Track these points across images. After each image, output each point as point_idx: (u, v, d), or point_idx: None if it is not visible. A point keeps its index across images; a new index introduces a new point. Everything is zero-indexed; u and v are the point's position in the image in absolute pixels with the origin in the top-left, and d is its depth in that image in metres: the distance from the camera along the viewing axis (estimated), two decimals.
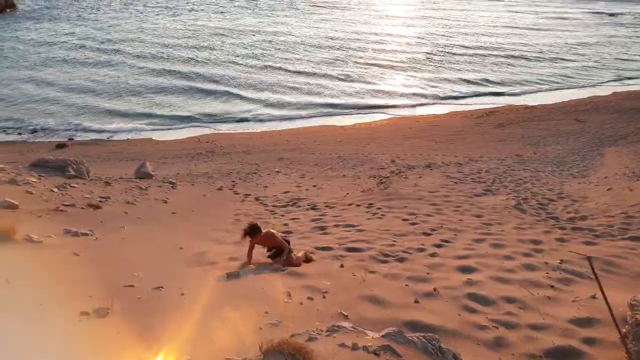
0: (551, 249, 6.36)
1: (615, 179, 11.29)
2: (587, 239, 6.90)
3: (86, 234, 6.54)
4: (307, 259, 5.84)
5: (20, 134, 23.42)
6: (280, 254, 5.70)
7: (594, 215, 8.24)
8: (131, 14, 55.44)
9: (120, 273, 4.94)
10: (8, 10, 58.81)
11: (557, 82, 29.49)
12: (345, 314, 4.14)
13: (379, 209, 8.97)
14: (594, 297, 4.61)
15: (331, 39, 39.81)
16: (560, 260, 5.74)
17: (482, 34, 40.62)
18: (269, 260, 5.76)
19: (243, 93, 26.92)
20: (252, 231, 5.78)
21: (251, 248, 5.74)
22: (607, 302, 3.34)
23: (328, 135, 22.42)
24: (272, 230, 5.93)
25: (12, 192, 8.37)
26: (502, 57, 34.18)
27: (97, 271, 5.04)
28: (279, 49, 36.32)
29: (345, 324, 3.67)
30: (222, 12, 53.89)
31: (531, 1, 57.70)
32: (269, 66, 31.75)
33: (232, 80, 28.80)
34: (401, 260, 5.90)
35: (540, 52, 35.15)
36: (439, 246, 6.49)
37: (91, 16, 55.12)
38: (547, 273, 5.36)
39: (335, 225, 7.85)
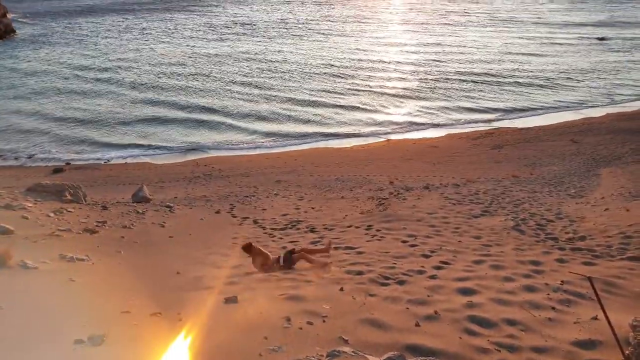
0: (551, 269, 6.32)
1: (612, 199, 11.31)
2: (587, 260, 6.87)
3: (82, 259, 6.48)
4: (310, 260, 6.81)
5: (17, 159, 23.42)
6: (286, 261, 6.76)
7: (592, 236, 8.23)
8: (129, 40, 56.14)
9: (117, 299, 4.88)
10: (7, 36, 59.59)
11: (550, 105, 29.77)
12: (346, 338, 4.07)
13: (378, 230, 8.93)
14: (595, 318, 4.57)
15: (327, 65, 40.18)
16: (561, 281, 5.70)
17: (475, 59, 41.08)
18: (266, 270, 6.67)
19: (239, 123, 26.73)
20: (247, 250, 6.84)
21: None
22: (609, 324, 3.30)
23: (326, 157, 22.49)
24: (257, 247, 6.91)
25: (7, 217, 8.33)
26: (495, 81, 34.50)
27: (92, 297, 4.98)
28: (275, 76, 36.46)
29: (346, 348, 3.62)
30: (220, 39, 54.53)
31: (520, 26, 58.67)
32: (266, 94, 31.63)
33: (227, 110, 28.65)
34: (401, 282, 5.84)
35: (533, 76, 35.55)
36: (438, 268, 6.44)
37: (90, 41, 55.80)
38: (548, 294, 5.32)
39: (335, 248, 7.80)
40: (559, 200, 11.82)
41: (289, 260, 6.76)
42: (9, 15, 66.33)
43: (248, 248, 6.81)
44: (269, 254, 6.91)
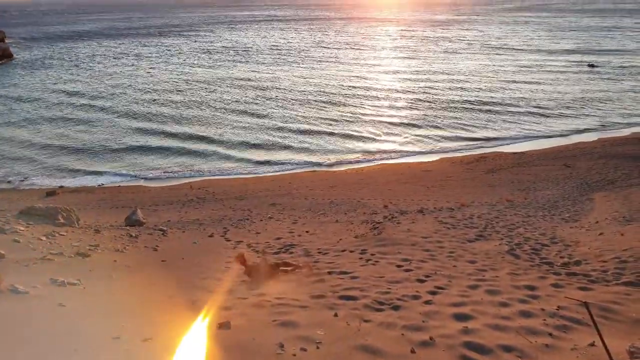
0: (547, 295, 6.29)
1: (606, 223, 11.35)
2: (582, 285, 6.85)
3: (73, 284, 6.38)
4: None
5: (10, 182, 23.32)
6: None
7: (587, 260, 8.22)
8: (124, 65, 56.75)
9: (108, 324, 4.79)
10: (5, 60, 60.07)
11: (542, 131, 30.10)
12: None
13: (372, 255, 8.88)
14: (592, 344, 4.53)
15: (320, 92, 40.53)
16: (557, 307, 5.67)
17: (466, 86, 41.56)
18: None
19: (232, 152, 26.66)
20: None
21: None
22: (607, 350, 3.27)
23: (320, 180, 22.52)
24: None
25: None
26: (487, 108, 34.84)
27: (83, 322, 4.89)
28: (269, 103, 36.58)
29: None
30: (214, 65, 55.11)
31: (511, 53, 59.79)
32: (260, 122, 31.56)
33: (221, 138, 28.53)
34: (396, 308, 5.79)
35: (524, 103, 36.01)
36: (433, 293, 6.40)
37: (86, 66, 56.30)
38: (544, 320, 5.28)
39: (329, 273, 7.74)
40: (553, 225, 11.84)
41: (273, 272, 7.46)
42: (7, 40, 67.06)
43: (242, 259, 7.45)
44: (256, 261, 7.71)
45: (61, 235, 9.56)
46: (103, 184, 22.97)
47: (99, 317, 5.16)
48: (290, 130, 29.88)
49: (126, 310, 5.51)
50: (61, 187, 22.45)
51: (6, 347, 3.90)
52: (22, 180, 23.37)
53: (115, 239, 10.17)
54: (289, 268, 7.73)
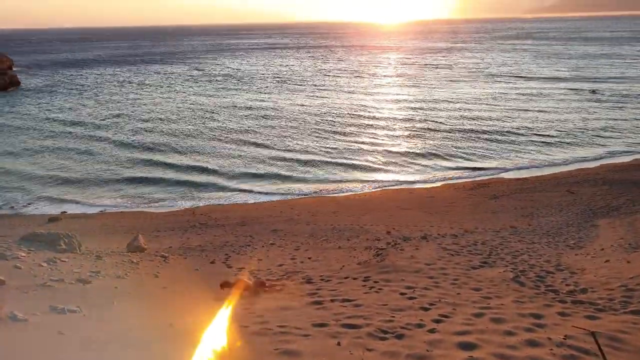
0: (553, 323, 6.19)
1: (612, 250, 11.24)
2: (589, 313, 6.74)
3: (73, 311, 6.32)
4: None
5: (13, 207, 23.37)
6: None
7: (593, 288, 8.11)
8: (128, 92, 57.76)
9: (107, 352, 4.72)
10: (12, 88, 61.05)
11: (544, 158, 30.10)
12: None
13: (375, 282, 8.79)
14: None
15: (322, 120, 40.88)
16: (564, 336, 5.56)
17: (467, 115, 41.78)
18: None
19: (233, 184, 26.26)
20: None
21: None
22: None
23: (322, 206, 22.48)
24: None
25: (0, 267, 8.20)
26: (488, 135, 34.90)
27: (81, 351, 4.82)
28: (270, 131, 36.62)
29: None
30: (217, 94, 55.69)
31: (512, 79, 60.41)
32: (260, 152, 31.37)
33: (222, 169, 28.17)
34: (400, 336, 5.70)
35: (526, 129, 36.15)
36: (438, 321, 6.30)
37: (91, 93, 57.23)
38: (551, 349, 5.18)
39: (332, 300, 7.65)
40: (558, 252, 11.73)
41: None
42: (14, 68, 68.24)
43: (226, 284, 8.37)
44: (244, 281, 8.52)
45: (62, 261, 9.52)
46: (105, 210, 22.98)
47: (99, 345, 5.08)
48: (292, 160, 29.63)
49: (126, 338, 5.44)
50: (64, 212, 22.46)
51: None
52: (25, 206, 23.41)
53: (117, 265, 10.12)
54: (274, 286, 8.81)
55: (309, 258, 12.13)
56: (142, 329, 6.03)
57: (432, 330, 5.91)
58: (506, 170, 28.36)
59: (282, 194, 25.12)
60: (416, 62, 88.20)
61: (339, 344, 5.37)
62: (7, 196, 24.56)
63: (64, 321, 5.83)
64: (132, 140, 34.61)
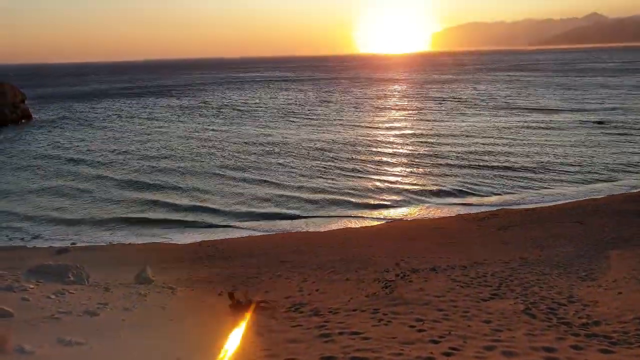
0: (567, 357, 6.07)
1: (625, 282, 11.06)
2: (604, 347, 6.60)
3: (80, 343, 6.29)
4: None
5: (22, 239, 23.50)
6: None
7: (607, 321, 7.96)
8: (136, 124, 58.94)
9: None
10: (23, 121, 62.34)
11: (554, 188, 29.97)
12: None
13: (384, 314, 8.69)
14: None
15: (325, 150, 41.24)
16: None
17: (473, 148, 41.70)
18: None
19: (238, 223, 25.62)
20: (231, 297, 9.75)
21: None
22: None
23: (329, 237, 22.39)
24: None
25: (8, 299, 8.22)
26: (495, 167, 34.79)
27: None
28: (277, 168, 36.56)
29: None
30: (223, 128, 56.08)
31: (517, 113, 60.69)
32: (267, 192, 30.65)
33: (227, 208, 27.57)
34: None
35: (532, 161, 36.05)
36: (448, 354, 6.20)
37: (100, 126, 58.52)
38: None
39: (340, 333, 7.56)
40: (569, 283, 11.56)
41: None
42: (26, 101, 69.78)
43: (231, 296, 9.71)
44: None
45: (71, 293, 9.53)
46: (114, 241, 23.05)
47: None
48: (298, 197, 29.05)
49: None
50: (73, 244, 22.54)
51: None
52: (34, 238, 23.54)
53: (125, 297, 10.09)
54: (266, 305, 9.87)
55: (317, 290, 12.04)
56: None
57: None
58: (515, 202, 28.14)
59: (289, 230, 24.97)
60: (420, 93, 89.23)
61: None
62: (16, 228, 24.74)
63: (72, 354, 5.80)
64: (140, 178, 34.45)
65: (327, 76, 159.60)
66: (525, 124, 51.34)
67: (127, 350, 6.51)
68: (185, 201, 27.59)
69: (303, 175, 32.72)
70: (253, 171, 34.51)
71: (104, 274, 14.48)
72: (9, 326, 6.38)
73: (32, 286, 9.54)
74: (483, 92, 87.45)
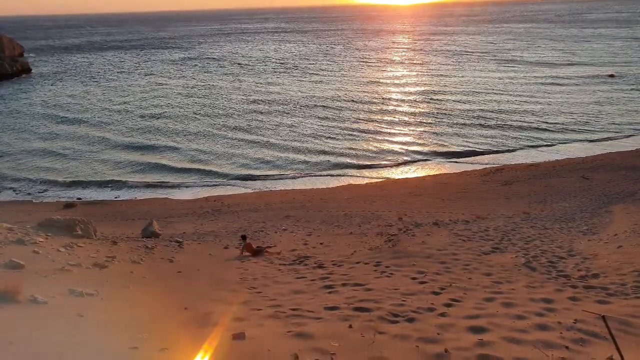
0: (564, 308, 6.20)
1: (626, 236, 11.16)
2: (600, 298, 6.74)
3: (91, 294, 6.48)
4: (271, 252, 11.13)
5: (29, 194, 23.77)
6: (258, 253, 11.02)
7: (605, 274, 8.09)
8: (137, 77, 58.20)
9: (125, 334, 4.85)
10: (23, 75, 61.63)
11: (559, 141, 29.77)
12: None
13: (387, 267, 8.86)
14: (610, 358, 4.45)
15: (325, 100, 40.87)
16: (574, 320, 5.59)
17: (480, 97, 41.37)
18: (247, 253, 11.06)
19: (242, 172, 26.39)
20: (244, 238, 11.61)
21: (243, 249, 11.21)
22: None
23: (334, 193, 22.54)
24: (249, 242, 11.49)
25: (19, 252, 8.40)
26: (504, 119, 34.63)
27: (100, 332, 4.96)
28: (275, 110, 36.77)
29: None
30: (221, 81, 55.51)
31: (524, 65, 59.29)
32: (267, 139, 31.52)
33: (232, 159, 28.26)
34: (411, 320, 5.76)
35: (541, 113, 35.72)
36: (448, 305, 6.35)
37: (101, 78, 57.74)
38: (561, 333, 5.21)
39: (343, 284, 7.74)
40: (570, 237, 11.68)
41: (261, 253, 11.06)
42: (26, 55, 68.76)
43: (244, 238, 11.52)
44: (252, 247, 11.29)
45: (79, 246, 9.72)
46: (119, 197, 23.29)
47: (117, 327, 5.22)
48: (302, 158, 28.90)
49: (143, 321, 5.58)
50: (79, 199, 22.82)
51: (27, 355, 3.98)
52: (41, 193, 23.81)
53: (132, 251, 10.30)
54: (272, 250, 11.35)
55: (321, 243, 12.23)
56: (158, 312, 6.18)
57: (442, 314, 5.96)
58: (521, 148, 28.19)
59: (292, 178, 25.35)
60: (425, 46, 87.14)
61: (350, 326, 5.45)
62: (24, 183, 24.98)
63: (83, 304, 5.98)
64: (142, 129, 34.71)
65: (329, 27, 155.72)
66: (533, 79, 50.30)
67: (137, 301, 6.71)
68: (186, 163, 27.60)
69: (306, 135, 32.55)
70: (256, 131, 34.27)
71: (110, 228, 14.74)
72: (21, 277, 6.55)
73: (41, 239, 9.73)
74: (490, 44, 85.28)
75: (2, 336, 4.30)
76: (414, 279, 7.95)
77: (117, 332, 5.02)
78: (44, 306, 5.60)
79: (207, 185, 24.82)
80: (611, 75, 49.50)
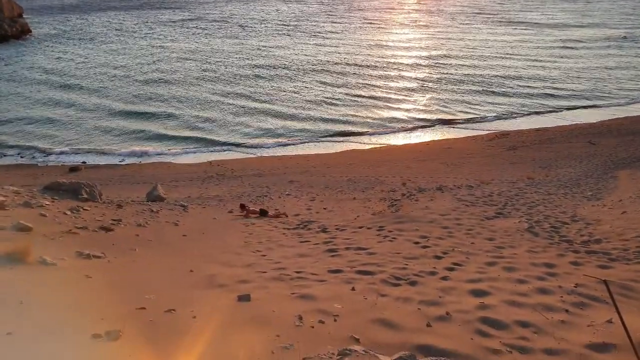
0: (565, 272, 6.27)
1: (630, 202, 11.15)
2: (602, 263, 6.79)
3: (98, 257, 6.58)
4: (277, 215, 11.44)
5: (34, 157, 23.86)
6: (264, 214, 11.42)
7: (608, 239, 8.13)
8: (136, 41, 57.15)
9: (132, 295, 4.96)
10: (23, 36, 60.63)
11: (568, 106, 29.39)
12: (357, 337, 4.09)
13: (390, 231, 8.93)
14: (610, 321, 4.52)
15: (328, 65, 40.28)
16: (575, 284, 5.65)
17: (487, 61, 40.63)
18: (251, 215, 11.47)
19: (245, 139, 26.37)
20: (243, 207, 11.81)
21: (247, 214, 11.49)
22: (625, 327, 3.27)
23: (338, 158, 22.52)
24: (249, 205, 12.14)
25: (26, 214, 8.49)
26: (510, 80, 34.17)
27: (109, 293, 5.07)
28: (277, 75, 36.40)
29: (357, 347, 3.64)
30: (224, 43, 54.79)
31: (533, 27, 57.81)
32: (270, 102, 31.35)
33: (234, 125, 28.14)
34: (413, 283, 5.85)
35: (550, 77, 35.17)
36: (450, 269, 6.43)
37: (101, 40, 56.75)
38: (562, 297, 5.28)
39: (346, 248, 7.82)
40: (574, 203, 11.69)
41: (265, 214, 11.42)
42: (25, 15, 67.48)
43: (243, 207, 11.80)
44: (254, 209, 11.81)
45: (85, 210, 9.81)
46: (124, 160, 23.36)
47: (124, 289, 5.33)
48: (305, 124, 28.60)
49: (149, 282, 5.68)
50: (84, 163, 22.90)
51: (37, 315, 4.08)
52: (46, 156, 23.89)
53: (137, 214, 10.39)
54: (275, 214, 11.53)
55: (324, 208, 12.30)
56: (164, 275, 6.28)
57: (444, 278, 6.04)
58: (527, 114, 27.93)
59: (294, 144, 25.32)
60: (431, 6, 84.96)
61: (353, 289, 5.54)
62: (28, 146, 25.02)
63: (91, 266, 6.09)
64: (143, 95, 34.29)
65: None
66: (542, 42, 49.21)
67: (143, 263, 6.81)
68: (188, 131, 27.38)
69: (309, 100, 32.17)
70: (258, 97, 33.76)
71: (115, 192, 14.84)
72: (30, 239, 6.65)
73: (48, 202, 9.81)
74: (499, 4, 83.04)
75: (13, 296, 4.40)
76: (416, 243, 8.02)
77: (125, 293, 5.12)
78: (52, 267, 5.71)
79: (211, 152, 24.82)
80: (624, 37, 48.33)
